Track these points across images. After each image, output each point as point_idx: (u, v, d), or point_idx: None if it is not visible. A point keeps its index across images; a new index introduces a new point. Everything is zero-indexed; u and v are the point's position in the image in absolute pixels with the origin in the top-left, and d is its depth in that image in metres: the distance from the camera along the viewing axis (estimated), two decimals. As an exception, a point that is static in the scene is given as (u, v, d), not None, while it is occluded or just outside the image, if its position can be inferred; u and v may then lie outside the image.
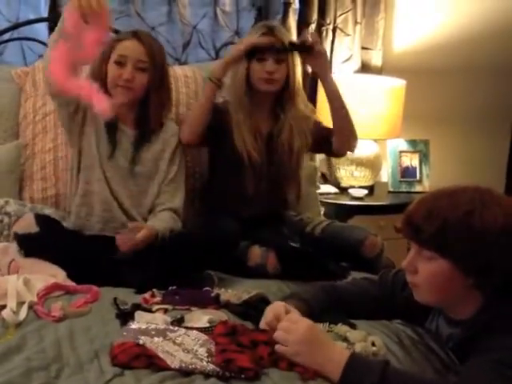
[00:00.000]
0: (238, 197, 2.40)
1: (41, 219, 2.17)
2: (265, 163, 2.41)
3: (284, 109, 2.44)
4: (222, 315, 1.78)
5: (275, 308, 1.65)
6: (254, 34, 2.39)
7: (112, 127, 2.30)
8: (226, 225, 2.20)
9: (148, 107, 2.32)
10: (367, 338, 1.61)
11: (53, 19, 2.85)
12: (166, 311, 1.82)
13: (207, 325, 1.69)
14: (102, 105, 1.88)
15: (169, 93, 2.40)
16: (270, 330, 1.58)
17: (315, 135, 2.48)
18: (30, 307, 1.81)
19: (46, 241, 2.10)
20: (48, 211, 2.42)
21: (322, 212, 2.84)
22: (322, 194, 3.03)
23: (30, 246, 2.09)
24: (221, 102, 2.48)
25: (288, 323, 1.53)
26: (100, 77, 2.27)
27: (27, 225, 2.12)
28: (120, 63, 2.25)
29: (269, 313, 1.64)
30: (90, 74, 2.31)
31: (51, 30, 2.88)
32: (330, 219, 2.61)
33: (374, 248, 2.29)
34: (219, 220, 2.24)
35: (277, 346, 1.52)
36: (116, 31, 2.94)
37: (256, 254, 2.21)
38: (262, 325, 1.64)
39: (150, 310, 1.81)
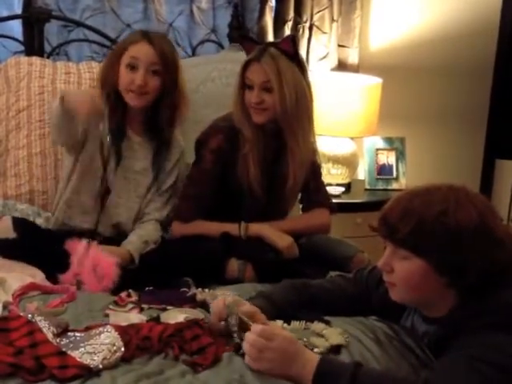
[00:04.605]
0: (231, 221, 2.30)
1: (18, 224, 2.13)
2: (264, 197, 2.33)
3: (285, 141, 2.29)
4: (198, 314, 1.77)
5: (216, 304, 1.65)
6: (242, 66, 2.26)
7: (119, 136, 2.25)
8: (213, 245, 2.19)
9: (160, 111, 2.27)
10: (344, 335, 1.61)
11: (27, 16, 2.82)
12: (141, 310, 1.81)
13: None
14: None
15: (183, 95, 2.32)
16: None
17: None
18: (5, 307, 1.79)
19: (24, 247, 2.07)
20: (21, 207, 2.41)
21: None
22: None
23: (8, 251, 2.06)
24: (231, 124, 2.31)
25: (262, 340, 1.42)
26: (111, 81, 2.24)
27: (4, 229, 2.08)
28: (132, 67, 2.21)
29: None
30: (99, 78, 2.29)
31: (25, 26, 2.85)
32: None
33: (360, 265, 2.25)
34: (206, 240, 2.22)
35: (247, 360, 1.45)
36: (93, 29, 2.94)
37: (233, 268, 2.17)
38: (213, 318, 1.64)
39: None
